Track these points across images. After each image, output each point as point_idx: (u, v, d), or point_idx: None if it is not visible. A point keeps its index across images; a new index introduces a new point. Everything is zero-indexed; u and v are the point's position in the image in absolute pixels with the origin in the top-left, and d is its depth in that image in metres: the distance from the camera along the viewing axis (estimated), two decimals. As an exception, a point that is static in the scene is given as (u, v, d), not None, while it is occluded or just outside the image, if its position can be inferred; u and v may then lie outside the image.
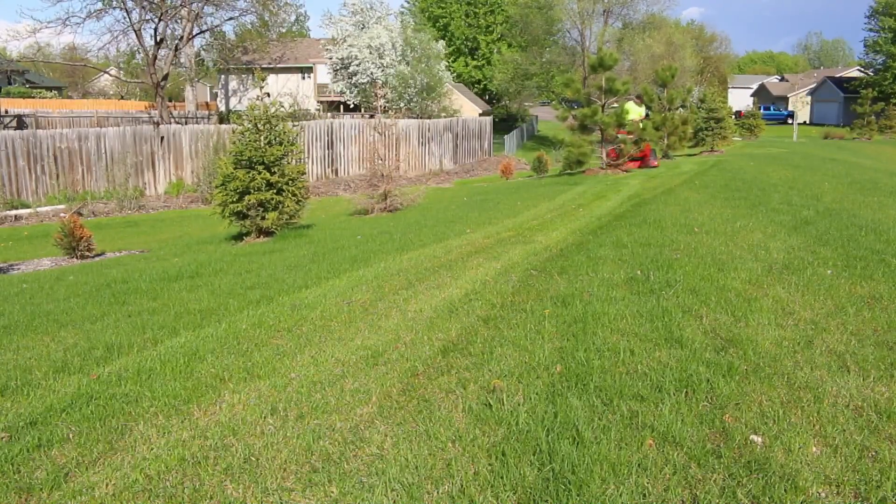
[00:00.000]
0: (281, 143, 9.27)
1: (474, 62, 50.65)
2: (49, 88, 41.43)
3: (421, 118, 28.13)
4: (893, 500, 1.99)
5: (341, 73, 33.48)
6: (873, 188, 9.78)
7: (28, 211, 15.95)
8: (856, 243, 5.27)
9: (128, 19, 26.97)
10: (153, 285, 5.92)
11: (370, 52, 32.00)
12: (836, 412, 2.50)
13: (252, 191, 8.95)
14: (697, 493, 2.04)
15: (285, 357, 3.43)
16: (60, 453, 2.52)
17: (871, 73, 53.09)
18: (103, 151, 18.00)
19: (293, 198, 9.25)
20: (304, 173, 9.92)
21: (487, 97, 50.79)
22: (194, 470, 2.33)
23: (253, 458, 2.39)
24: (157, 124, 21.00)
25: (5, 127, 22.30)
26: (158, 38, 27.83)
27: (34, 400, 3.08)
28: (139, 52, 28.83)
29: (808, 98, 60.18)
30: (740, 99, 63.49)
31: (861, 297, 3.86)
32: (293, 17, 37.58)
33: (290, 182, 9.21)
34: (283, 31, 39.11)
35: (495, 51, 49.69)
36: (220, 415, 2.77)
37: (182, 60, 31.09)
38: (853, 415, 2.48)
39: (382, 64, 31.75)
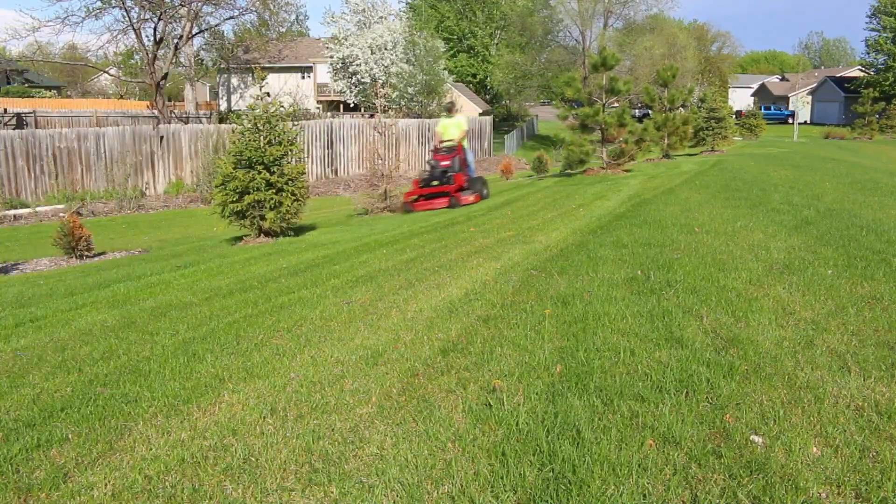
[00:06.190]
0: (280, 143, 9.26)
1: (473, 60, 50.60)
2: (48, 88, 41.40)
3: (421, 118, 28.13)
4: (894, 500, 1.99)
5: (341, 72, 33.47)
6: (874, 188, 9.77)
7: (27, 210, 15.94)
8: (857, 243, 5.27)
9: (127, 18, 26.97)
10: (152, 286, 5.92)
11: (372, 52, 32.00)
12: (836, 412, 2.49)
13: (251, 190, 8.94)
14: (698, 493, 2.03)
15: (285, 357, 3.43)
16: (59, 453, 2.51)
17: (873, 73, 53.08)
18: (102, 151, 17.99)
19: (293, 197, 9.24)
20: (304, 173, 9.92)
21: (487, 96, 50.77)
22: (194, 470, 2.33)
23: (252, 459, 2.38)
24: (158, 123, 20.97)
25: (4, 126, 22.28)
26: (158, 38, 27.82)
27: (32, 400, 3.08)
28: (138, 52, 28.81)
29: (809, 98, 60.18)
30: (741, 99, 63.49)
31: (862, 297, 3.85)
32: (293, 17, 37.65)
33: (290, 182, 9.20)
34: (283, 30, 39.12)
35: (494, 49, 49.64)
36: (219, 415, 2.76)
37: (181, 60, 31.07)
38: (854, 415, 2.48)
39: (384, 63, 31.76)
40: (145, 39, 27.43)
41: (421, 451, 2.35)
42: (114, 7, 27.32)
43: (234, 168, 9.04)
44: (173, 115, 27.42)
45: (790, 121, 50.25)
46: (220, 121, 27.49)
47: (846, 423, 2.42)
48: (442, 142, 12.40)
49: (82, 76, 49.94)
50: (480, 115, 36.30)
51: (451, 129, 12.45)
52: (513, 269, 5.07)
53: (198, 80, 35.23)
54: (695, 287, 4.13)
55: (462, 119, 13.01)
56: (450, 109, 13.12)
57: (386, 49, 31.88)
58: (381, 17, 33.99)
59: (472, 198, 11.63)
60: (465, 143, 12.53)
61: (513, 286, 4.50)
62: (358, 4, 34.07)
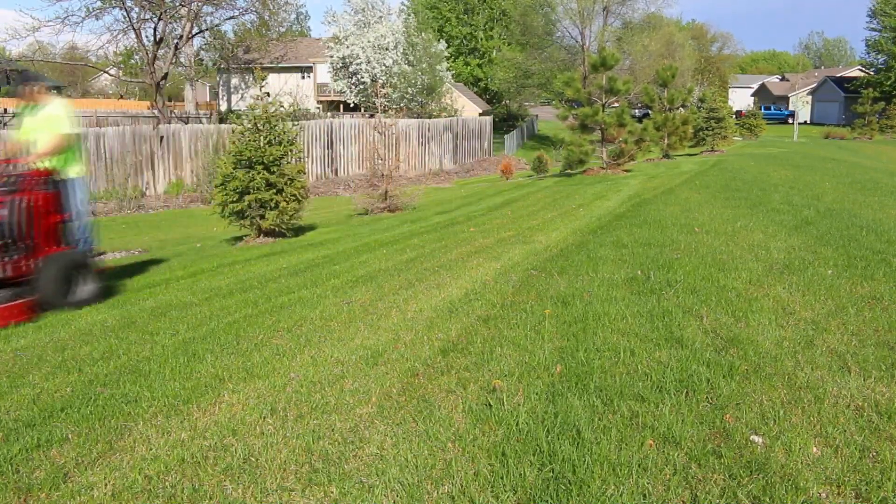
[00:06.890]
0: (280, 143, 9.26)
1: (475, 61, 50.61)
2: (48, 88, 41.29)
3: (421, 118, 28.13)
4: (894, 500, 1.99)
5: (342, 72, 33.47)
6: (874, 188, 9.77)
7: (28, 210, 15.92)
8: (857, 243, 5.27)
9: (127, 18, 26.94)
10: (152, 287, 5.92)
11: (372, 51, 32.01)
12: (836, 412, 2.49)
13: (251, 190, 8.94)
14: (698, 493, 2.03)
15: (285, 357, 3.43)
16: (59, 453, 2.51)
17: (873, 73, 53.08)
18: (103, 151, 17.99)
19: (293, 197, 9.24)
20: (304, 173, 9.91)
21: (487, 97, 50.78)
22: (194, 470, 2.33)
23: (252, 459, 2.38)
24: (158, 123, 20.96)
25: (5, 126, 22.27)
26: (158, 38, 27.80)
27: (32, 400, 3.08)
28: (138, 52, 28.79)
29: (809, 98, 60.16)
30: (741, 98, 63.47)
31: (862, 297, 3.85)
32: (293, 17, 37.62)
33: (290, 182, 9.20)
34: (283, 30, 39.08)
35: (495, 49, 49.66)
36: (219, 415, 2.76)
37: (181, 60, 31.04)
38: (854, 415, 2.48)
39: (384, 63, 31.77)
40: (145, 39, 27.40)
41: (421, 451, 2.35)
42: (114, 7, 27.28)
43: (234, 168, 9.04)
44: (173, 116, 27.41)
45: (790, 121, 50.23)
46: (220, 121, 27.50)
47: (846, 423, 2.42)
48: (17, 158, 5.50)
49: (82, 76, 49.90)
50: (480, 114, 36.31)
51: (41, 133, 5.58)
52: (513, 269, 5.07)
53: (198, 80, 35.22)
54: (695, 287, 4.13)
55: (61, 111, 5.71)
56: (25, 86, 5.84)
57: (388, 49, 31.88)
58: (381, 17, 33.98)
59: None
60: (77, 168, 5.71)
61: (513, 286, 4.50)
62: (358, 4, 34.07)
